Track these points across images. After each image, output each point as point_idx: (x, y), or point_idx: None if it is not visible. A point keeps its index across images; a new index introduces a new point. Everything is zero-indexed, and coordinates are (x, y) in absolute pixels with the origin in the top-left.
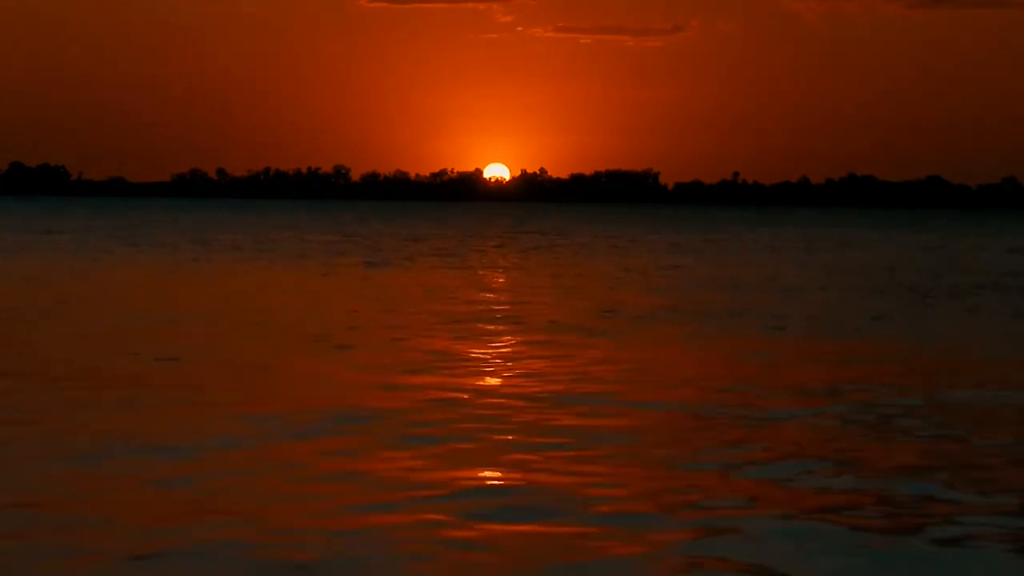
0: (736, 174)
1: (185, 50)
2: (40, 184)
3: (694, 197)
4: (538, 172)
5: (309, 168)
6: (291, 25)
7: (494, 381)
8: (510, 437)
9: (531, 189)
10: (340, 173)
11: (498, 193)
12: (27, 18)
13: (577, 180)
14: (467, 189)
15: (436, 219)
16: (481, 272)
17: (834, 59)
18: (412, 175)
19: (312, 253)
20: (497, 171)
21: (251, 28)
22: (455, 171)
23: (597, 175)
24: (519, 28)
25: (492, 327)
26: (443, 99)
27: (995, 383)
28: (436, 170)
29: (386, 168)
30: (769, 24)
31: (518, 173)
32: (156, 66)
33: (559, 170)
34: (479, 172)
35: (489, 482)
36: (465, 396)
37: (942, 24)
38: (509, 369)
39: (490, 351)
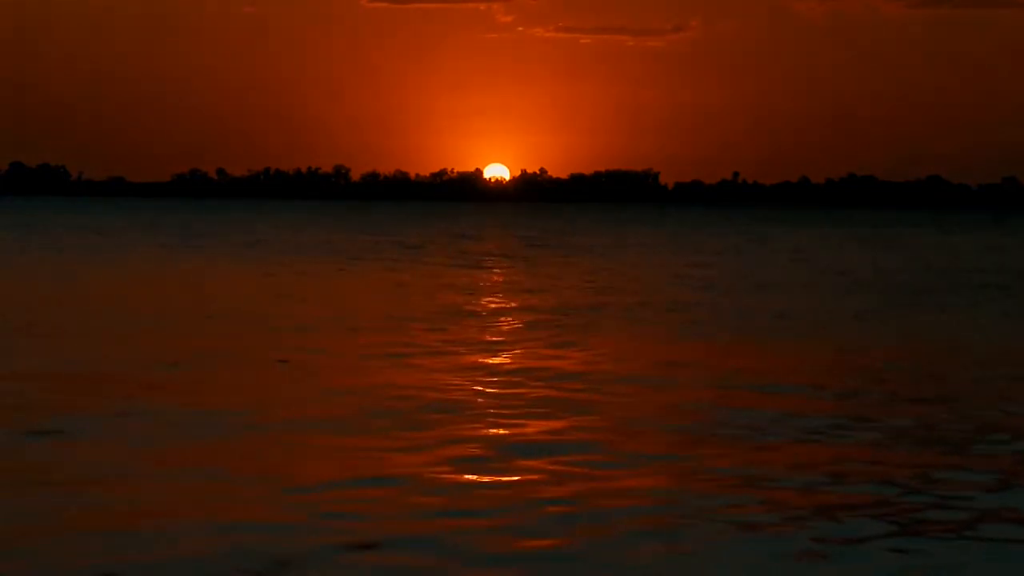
0: (736, 174)
1: (185, 50)
2: (40, 184)
3: (694, 197)
4: (538, 172)
5: (309, 168)
6: (291, 25)
7: None
8: None
9: (531, 189)
10: (340, 173)
11: (498, 193)
12: (27, 18)
13: (577, 180)
14: (467, 189)
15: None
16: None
17: (834, 59)
18: (412, 175)
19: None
20: (497, 171)
21: (251, 28)
22: (455, 171)
23: (597, 175)
24: (519, 28)
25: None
26: (443, 99)
27: None
28: (436, 170)
29: (386, 168)
30: (770, 24)
31: (518, 173)
32: (156, 66)
33: (559, 170)
34: (479, 172)
35: None
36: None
37: (942, 24)
38: None
39: None
